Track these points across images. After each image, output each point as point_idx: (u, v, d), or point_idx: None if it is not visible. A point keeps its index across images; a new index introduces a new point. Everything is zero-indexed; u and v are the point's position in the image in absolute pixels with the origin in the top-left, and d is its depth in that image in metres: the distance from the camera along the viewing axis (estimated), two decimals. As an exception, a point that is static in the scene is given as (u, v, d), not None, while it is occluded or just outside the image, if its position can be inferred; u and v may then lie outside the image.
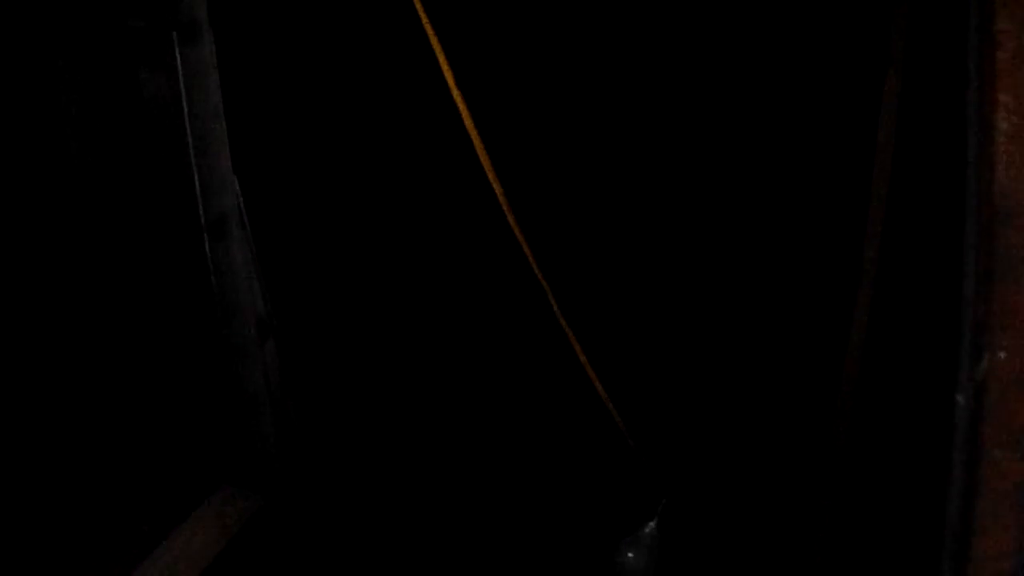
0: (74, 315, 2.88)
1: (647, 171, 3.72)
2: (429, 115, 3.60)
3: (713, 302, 3.53)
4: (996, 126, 1.17)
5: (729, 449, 3.31)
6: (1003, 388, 1.19)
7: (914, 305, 3.28)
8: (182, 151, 2.78)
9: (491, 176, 1.92)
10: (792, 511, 3.01)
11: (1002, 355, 1.19)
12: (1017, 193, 1.18)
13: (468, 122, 1.86)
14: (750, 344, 3.47)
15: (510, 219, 1.98)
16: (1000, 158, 1.18)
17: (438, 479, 3.40)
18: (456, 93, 1.83)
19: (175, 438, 2.88)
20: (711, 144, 3.66)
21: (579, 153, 3.62)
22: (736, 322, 3.50)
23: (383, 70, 3.69)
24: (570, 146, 3.61)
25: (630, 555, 2.65)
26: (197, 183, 2.78)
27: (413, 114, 3.63)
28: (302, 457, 3.07)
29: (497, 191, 1.95)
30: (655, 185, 3.68)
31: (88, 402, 2.85)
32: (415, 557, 3.06)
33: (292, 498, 2.95)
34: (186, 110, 2.74)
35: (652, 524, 2.66)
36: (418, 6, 1.74)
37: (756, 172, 3.61)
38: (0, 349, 2.68)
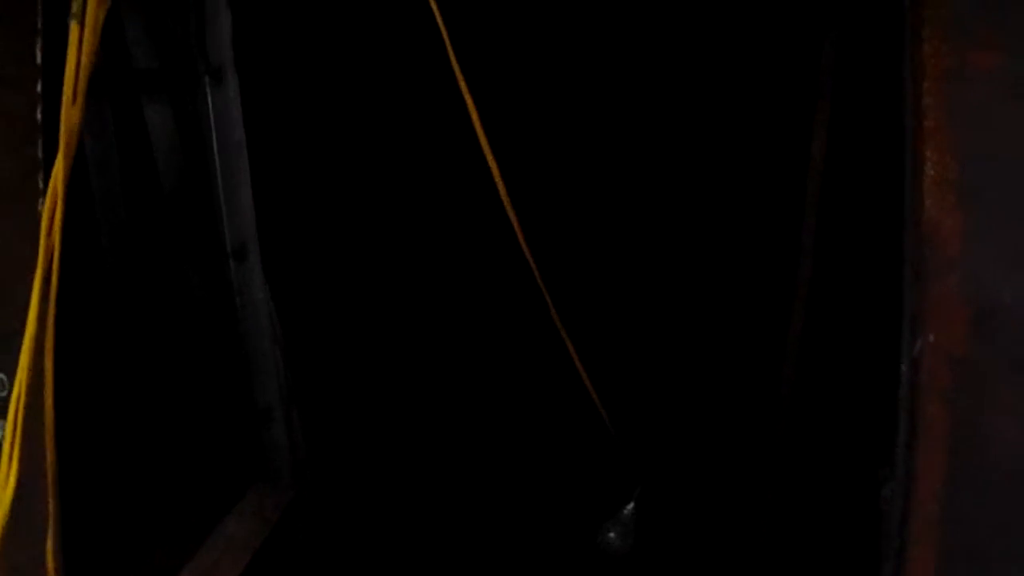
0: (116, 330, 3.21)
1: (621, 185, 4.16)
2: (426, 146, 4.03)
3: (679, 308, 4.01)
4: (925, 172, 1.64)
5: (694, 438, 3.78)
6: (933, 361, 1.65)
7: (842, 312, 3.78)
8: (211, 181, 3.14)
9: (502, 194, 2.31)
10: (748, 494, 3.47)
11: (931, 337, 1.65)
12: (939, 222, 1.64)
13: (489, 159, 2.25)
14: (705, 343, 3.96)
15: (514, 223, 2.37)
16: (928, 197, 1.64)
17: (435, 472, 3.80)
18: (483, 141, 2.21)
19: (211, 440, 3.21)
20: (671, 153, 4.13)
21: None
22: (694, 325, 3.99)
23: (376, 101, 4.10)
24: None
25: (612, 535, 3.06)
26: (224, 210, 3.15)
27: (410, 140, 4.05)
28: (313, 457, 3.43)
29: (505, 202, 2.33)
30: (631, 197, 4.15)
31: (126, 409, 3.17)
32: (417, 540, 3.44)
33: (315, 492, 3.31)
34: (215, 144, 3.12)
35: (630, 507, 3.07)
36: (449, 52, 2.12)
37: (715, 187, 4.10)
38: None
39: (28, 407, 1.90)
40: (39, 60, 2.31)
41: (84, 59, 1.93)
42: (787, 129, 3.79)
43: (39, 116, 2.38)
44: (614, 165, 4.19)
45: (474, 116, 2.25)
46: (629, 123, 4.18)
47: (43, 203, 2.35)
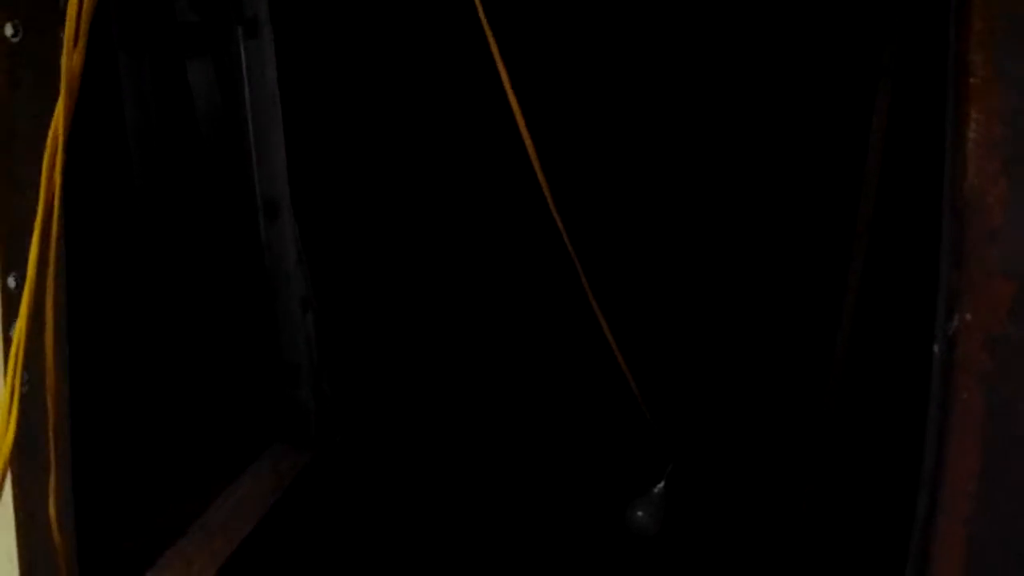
0: (148, 288, 3.19)
1: (661, 174, 4.05)
2: (462, 113, 3.92)
3: (723, 297, 3.89)
4: (967, 136, 1.49)
5: (727, 423, 3.66)
6: (969, 341, 1.51)
7: (895, 301, 3.62)
8: (243, 135, 3.09)
9: (536, 167, 2.22)
10: (784, 479, 3.35)
11: (968, 316, 1.51)
12: (981, 189, 1.50)
13: (520, 121, 2.15)
14: (752, 335, 3.83)
15: (550, 204, 2.28)
16: (971, 161, 1.50)
17: (462, 445, 3.72)
18: (512, 97, 2.12)
19: (234, 398, 3.18)
20: (722, 150, 4.00)
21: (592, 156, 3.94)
22: (740, 314, 3.86)
23: (420, 69, 4.00)
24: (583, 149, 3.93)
25: (640, 513, 2.96)
26: (255, 166, 3.09)
27: (446, 110, 3.95)
28: (338, 420, 3.38)
29: (541, 181, 2.24)
30: (672, 187, 4.03)
31: (150, 361, 3.15)
32: (439, 515, 3.37)
33: (334, 455, 3.26)
34: (248, 98, 3.05)
35: (660, 486, 2.97)
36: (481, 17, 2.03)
37: (765, 174, 3.96)
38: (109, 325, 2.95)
39: (28, 354, 1.86)
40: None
41: (86, 1, 1.87)
42: (845, 128, 3.68)
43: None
44: (670, 156, 4.07)
45: (513, 104, 2.16)
46: (687, 116, 4.06)
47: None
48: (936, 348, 1.51)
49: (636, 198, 4.10)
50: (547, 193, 2.33)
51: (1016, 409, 1.50)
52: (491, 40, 2.00)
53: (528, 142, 2.23)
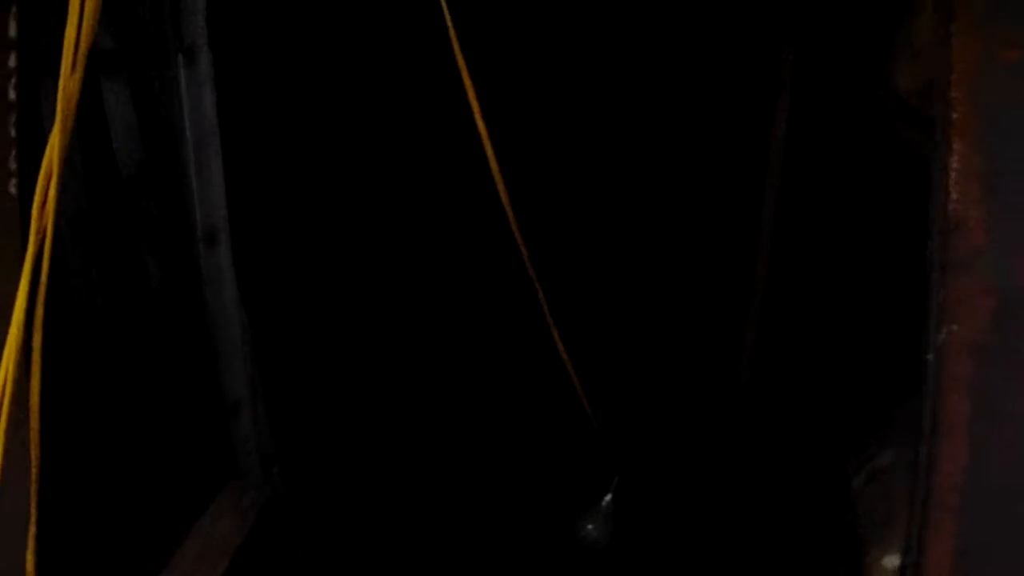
0: (79, 323, 3.11)
1: (569, 185, 4.18)
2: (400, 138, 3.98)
3: (637, 307, 4.06)
4: (951, 165, 1.67)
5: (667, 428, 3.82)
6: (954, 349, 1.68)
7: (802, 304, 3.86)
8: (182, 163, 3.06)
9: (501, 188, 2.30)
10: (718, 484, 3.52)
11: (955, 328, 1.68)
12: (964, 213, 1.67)
13: (488, 149, 2.24)
14: (667, 342, 4.01)
15: (511, 221, 2.37)
16: (953, 188, 1.67)
17: (410, 465, 3.77)
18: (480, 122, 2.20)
19: (179, 436, 3.14)
20: (628, 163, 4.17)
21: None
22: (655, 322, 4.04)
23: (360, 94, 4.04)
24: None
25: (590, 526, 3.07)
26: (196, 193, 3.07)
27: (386, 134, 4.01)
28: (284, 453, 3.37)
29: (504, 199, 2.33)
30: (596, 193, 4.17)
31: (94, 404, 3.08)
32: (394, 534, 3.41)
33: (291, 489, 3.25)
34: (187, 124, 3.04)
35: (608, 498, 3.09)
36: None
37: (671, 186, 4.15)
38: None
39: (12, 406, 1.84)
40: (12, 33, 2.25)
41: (85, 26, 1.87)
42: (748, 125, 3.86)
43: (12, 92, 2.31)
44: (576, 162, 4.20)
45: (474, 105, 2.24)
46: (595, 119, 4.20)
47: (15, 184, 2.28)
48: (929, 357, 1.67)
49: (550, 210, 4.21)
50: (508, 212, 2.42)
51: (998, 411, 1.68)
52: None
53: (495, 172, 2.31)
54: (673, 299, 4.11)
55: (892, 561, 2.37)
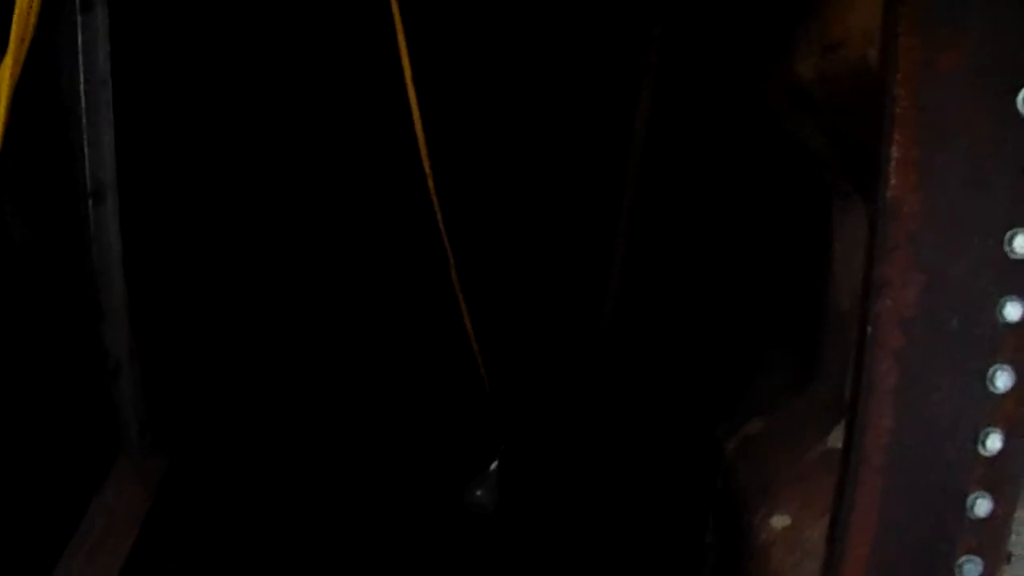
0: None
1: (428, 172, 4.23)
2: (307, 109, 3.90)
3: (512, 285, 4.16)
4: (891, 155, 1.83)
5: (550, 395, 3.94)
6: (887, 322, 1.85)
7: (655, 281, 4.06)
8: (73, 117, 2.95)
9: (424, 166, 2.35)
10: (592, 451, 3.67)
11: (888, 302, 1.85)
12: (902, 199, 1.84)
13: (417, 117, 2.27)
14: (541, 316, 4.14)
15: (435, 205, 2.42)
16: (893, 176, 1.84)
17: (297, 430, 3.74)
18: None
19: (64, 400, 3.01)
20: (491, 145, 4.26)
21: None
22: (529, 297, 4.15)
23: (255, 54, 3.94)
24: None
25: (479, 492, 3.16)
26: (86, 147, 2.97)
27: (282, 98, 3.93)
28: (170, 419, 3.30)
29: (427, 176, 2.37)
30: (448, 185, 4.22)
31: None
32: (284, 502, 3.39)
33: (189, 456, 3.18)
34: (81, 77, 2.93)
35: (495, 465, 3.19)
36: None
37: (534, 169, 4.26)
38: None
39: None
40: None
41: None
42: (610, 121, 4.03)
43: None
44: (449, 121, 4.25)
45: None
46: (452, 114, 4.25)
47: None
48: (868, 328, 1.84)
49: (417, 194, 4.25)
50: (429, 180, 2.47)
51: (922, 378, 1.86)
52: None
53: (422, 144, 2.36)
54: (541, 275, 4.23)
55: (781, 520, 2.56)
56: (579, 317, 4.12)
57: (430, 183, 2.44)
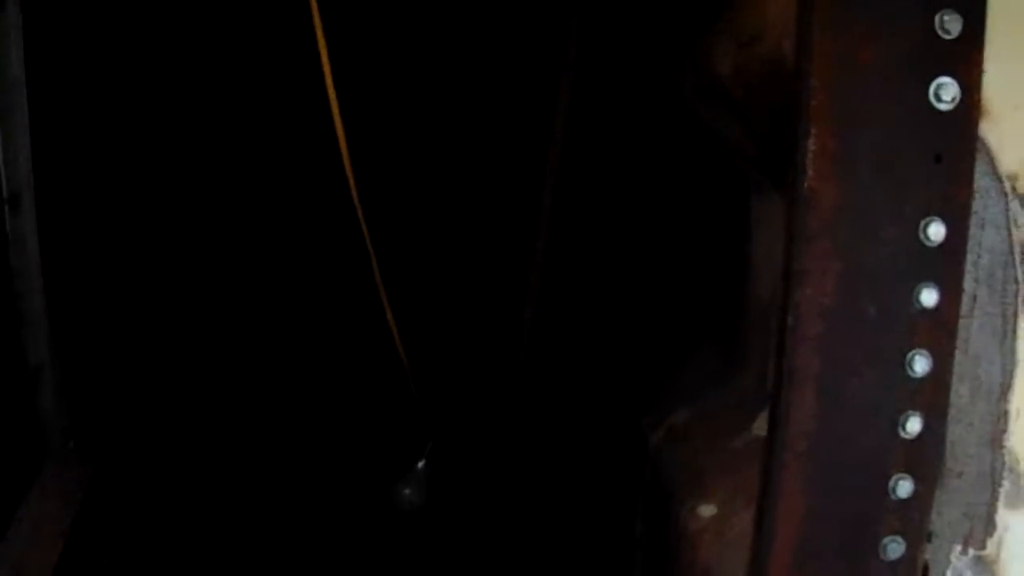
0: None
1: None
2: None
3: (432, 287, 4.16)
4: (808, 147, 1.87)
5: (475, 392, 3.94)
6: (806, 310, 1.89)
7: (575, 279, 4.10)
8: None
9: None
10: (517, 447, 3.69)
11: (808, 291, 1.89)
12: (818, 190, 1.88)
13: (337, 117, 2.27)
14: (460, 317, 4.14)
15: (356, 205, 2.41)
16: (810, 167, 1.88)
17: (222, 431, 3.69)
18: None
19: None
20: (410, 144, 4.25)
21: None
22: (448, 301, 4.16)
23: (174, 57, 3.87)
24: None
25: (407, 491, 3.16)
26: (1, 154, 2.90)
27: (202, 101, 3.87)
28: (73, 425, 3.23)
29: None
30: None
31: None
32: (210, 502, 3.35)
33: (113, 463, 3.12)
34: (-6, 81, 2.86)
35: (422, 463, 3.19)
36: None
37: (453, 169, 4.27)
38: None
39: None
40: None
41: None
42: (529, 120, 4.05)
43: None
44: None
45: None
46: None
47: None
48: (789, 318, 1.88)
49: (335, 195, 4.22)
50: (353, 185, 2.46)
51: (842, 365, 1.90)
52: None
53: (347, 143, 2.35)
54: (464, 272, 4.24)
55: (707, 510, 2.60)
56: (502, 313, 4.13)
57: (351, 183, 2.43)
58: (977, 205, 1.92)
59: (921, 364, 1.90)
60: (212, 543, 3.23)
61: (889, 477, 1.92)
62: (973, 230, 1.93)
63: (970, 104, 1.88)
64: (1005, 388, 1.98)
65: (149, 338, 4.00)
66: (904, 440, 1.92)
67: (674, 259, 3.58)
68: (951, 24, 1.84)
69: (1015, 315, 1.97)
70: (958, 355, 1.95)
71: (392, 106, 4.22)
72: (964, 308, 1.94)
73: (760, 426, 2.67)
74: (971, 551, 2.01)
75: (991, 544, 2.01)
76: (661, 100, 3.39)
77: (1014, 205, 1.94)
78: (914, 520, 1.95)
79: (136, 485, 3.36)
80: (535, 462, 3.74)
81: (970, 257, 1.93)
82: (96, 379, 3.48)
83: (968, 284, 1.94)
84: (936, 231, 1.88)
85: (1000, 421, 1.99)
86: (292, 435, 3.84)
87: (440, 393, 3.75)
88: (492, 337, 4.20)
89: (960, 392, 1.97)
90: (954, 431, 1.97)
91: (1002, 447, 2.00)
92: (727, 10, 2.61)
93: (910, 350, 1.90)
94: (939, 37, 1.85)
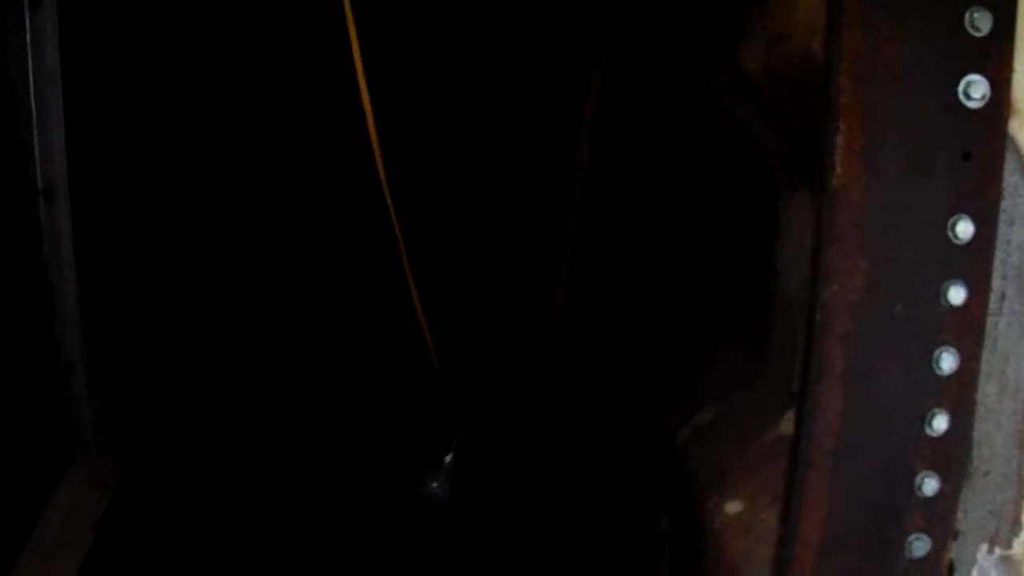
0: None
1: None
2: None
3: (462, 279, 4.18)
4: (837, 143, 1.88)
5: (503, 387, 3.96)
6: (835, 308, 1.90)
7: (604, 277, 4.10)
8: (22, 113, 2.92)
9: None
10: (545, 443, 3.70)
11: (835, 287, 1.89)
12: (847, 187, 1.89)
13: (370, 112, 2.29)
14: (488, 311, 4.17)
15: (387, 195, 2.43)
16: (839, 164, 1.88)
17: (254, 425, 3.72)
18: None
19: (18, 401, 2.98)
20: (440, 139, 4.27)
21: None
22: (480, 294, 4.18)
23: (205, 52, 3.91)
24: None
25: (434, 484, 3.18)
26: (36, 145, 2.95)
27: (233, 99, 3.91)
28: (127, 418, 3.27)
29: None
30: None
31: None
32: (242, 496, 3.38)
33: (145, 456, 3.16)
34: (30, 72, 2.90)
35: (449, 457, 3.21)
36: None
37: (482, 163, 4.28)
38: None
39: None
40: None
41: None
42: (559, 114, 4.05)
43: None
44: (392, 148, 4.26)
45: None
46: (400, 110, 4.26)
47: None
48: (817, 316, 1.88)
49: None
50: (385, 182, 2.48)
51: (870, 362, 1.91)
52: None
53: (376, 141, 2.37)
54: (493, 266, 4.25)
55: (733, 507, 2.61)
56: (531, 308, 4.14)
57: (381, 173, 2.45)
58: (1006, 203, 1.91)
59: (948, 362, 1.90)
60: (239, 535, 3.26)
61: (915, 474, 1.92)
62: (1002, 228, 1.92)
63: (1000, 102, 1.88)
64: (1033, 387, 1.98)
65: (180, 330, 4.04)
66: (930, 438, 1.92)
67: (703, 256, 3.58)
68: (981, 22, 1.84)
69: (1043, 314, 1.96)
70: (986, 353, 1.94)
71: (424, 99, 4.23)
72: (992, 306, 1.94)
73: (786, 425, 2.67)
74: (997, 550, 2.00)
75: (1017, 544, 2.00)
76: (691, 97, 3.40)
77: (1043, 203, 1.94)
78: (940, 518, 1.95)
79: (166, 477, 3.39)
80: (562, 458, 3.75)
81: (999, 255, 1.92)
82: (128, 371, 3.52)
83: (996, 282, 1.93)
84: (964, 229, 1.88)
85: (1028, 420, 1.98)
86: (319, 428, 3.87)
87: (467, 388, 3.77)
88: (520, 332, 4.21)
89: (987, 390, 1.96)
90: (981, 429, 1.96)
91: (1029, 446, 1.99)
92: (755, 8, 2.61)
93: (937, 348, 1.90)
94: (969, 35, 1.85)
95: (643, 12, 3.86)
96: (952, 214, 1.87)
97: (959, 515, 1.98)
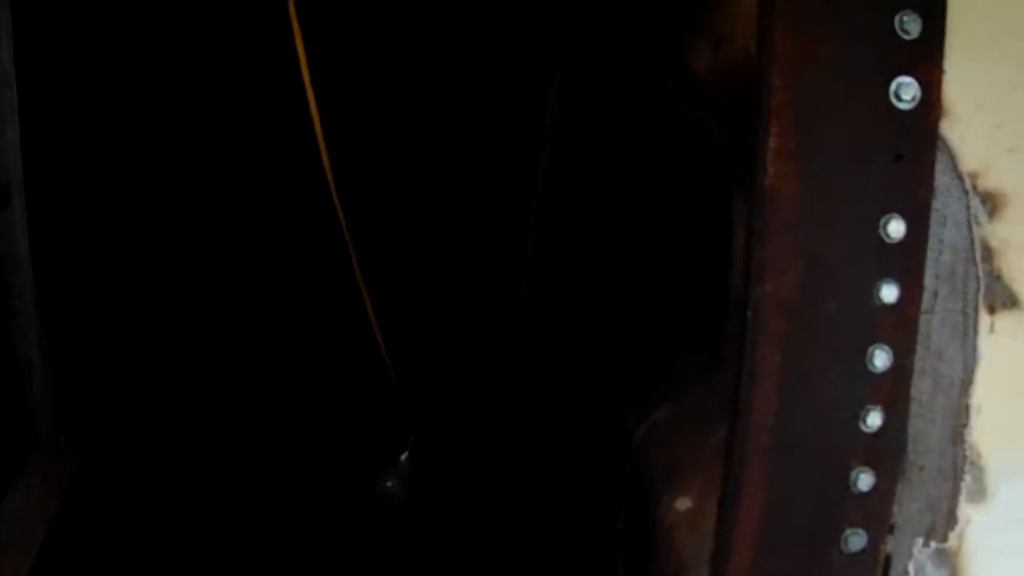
0: None
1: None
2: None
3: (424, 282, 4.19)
4: (768, 145, 1.90)
5: (460, 385, 3.98)
6: (768, 307, 1.92)
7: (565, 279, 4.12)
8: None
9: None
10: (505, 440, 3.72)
11: (768, 288, 1.92)
12: (778, 188, 1.91)
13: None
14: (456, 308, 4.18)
15: (335, 197, 2.45)
16: (771, 165, 1.90)
17: (209, 423, 3.73)
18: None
19: None
20: (402, 141, 4.28)
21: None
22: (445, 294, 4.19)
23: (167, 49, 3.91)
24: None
25: (390, 484, 3.19)
26: (-13, 148, 2.94)
27: (194, 97, 3.91)
28: (83, 417, 3.28)
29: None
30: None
31: None
32: (197, 497, 3.39)
33: (101, 455, 3.16)
34: (-21, 73, 2.90)
35: (405, 456, 3.22)
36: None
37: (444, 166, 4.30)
38: None
39: None
40: None
41: None
42: (520, 117, 4.07)
43: None
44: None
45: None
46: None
47: None
48: (749, 313, 1.90)
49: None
50: (332, 185, 2.49)
51: (804, 361, 1.93)
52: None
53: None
54: (449, 266, 4.27)
55: (684, 504, 2.63)
56: (490, 306, 4.16)
57: (329, 177, 2.46)
58: (938, 203, 1.94)
59: (882, 359, 1.92)
60: (196, 536, 3.27)
61: (850, 470, 1.95)
62: (934, 227, 1.95)
63: (930, 103, 1.90)
64: (966, 383, 2.01)
65: (139, 332, 4.04)
66: (865, 434, 1.94)
67: (661, 257, 3.61)
68: (910, 25, 1.86)
69: (976, 311, 1.99)
70: (919, 350, 1.97)
71: (380, 99, 4.24)
72: (925, 304, 1.96)
73: (738, 422, 2.69)
74: (933, 544, 2.03)
75: (952, 537, 2.03)
76: (648, 98, 3.42)
77: (975, 203, 1.97)
78: (875, 512, 1.98)
79: (124, 478, 3.40)
80: (519, 457, 3.77)
81: (931, 254, 1.95)
82: (87, 373, 3.53)
83: (929, 280, 1.96)
84: (896, 228, 1.90)
85: (961, 416, 2.01)
86: (275, 428, 3.87)
87: (423, 386, 3.78)
88: (476, 331, 4.23)
89: (922, 387, 1.99)
90: (916, 425, 1.99)
91: (964, 442, 2.02)
92: (704, 10, 2.64)
93: (871, 345, 1.92)
94: (899, 37, 1.88)
95: (604, 14, 3.88)
96: (884, 214, 1.89)
97: (895, 509, 2.00)
